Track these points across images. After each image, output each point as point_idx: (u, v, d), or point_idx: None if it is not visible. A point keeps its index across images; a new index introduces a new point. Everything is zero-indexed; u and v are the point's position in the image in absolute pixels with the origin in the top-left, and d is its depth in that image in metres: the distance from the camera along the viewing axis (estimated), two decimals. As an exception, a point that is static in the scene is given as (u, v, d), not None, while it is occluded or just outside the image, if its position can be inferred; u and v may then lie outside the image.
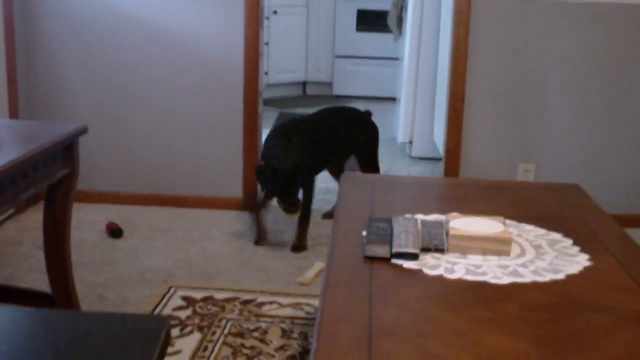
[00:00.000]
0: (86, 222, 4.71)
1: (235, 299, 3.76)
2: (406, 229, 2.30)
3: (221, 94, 5.00)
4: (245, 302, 3.72)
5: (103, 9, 4.92)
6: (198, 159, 5.08)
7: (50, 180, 3.02)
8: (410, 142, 6.55)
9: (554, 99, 4.81)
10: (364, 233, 2.38)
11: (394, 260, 2.20)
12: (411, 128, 6.50)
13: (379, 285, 2.05)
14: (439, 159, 6.18)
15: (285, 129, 4.52)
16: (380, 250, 2.21)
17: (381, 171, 5.78)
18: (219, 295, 3.79)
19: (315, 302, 3.71)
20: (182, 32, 4.93)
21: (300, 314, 3.63)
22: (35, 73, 4.99)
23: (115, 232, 4.54)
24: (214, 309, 3.65)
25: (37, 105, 5.02)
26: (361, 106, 5.53)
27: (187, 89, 5.01)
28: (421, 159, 6.48)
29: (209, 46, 4.93)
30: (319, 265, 4.14)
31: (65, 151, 3.09)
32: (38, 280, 3.84)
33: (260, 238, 4.52)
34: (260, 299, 3.77)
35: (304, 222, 4.51)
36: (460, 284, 2.08)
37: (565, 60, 4.78)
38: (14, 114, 4.78)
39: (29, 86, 4.98)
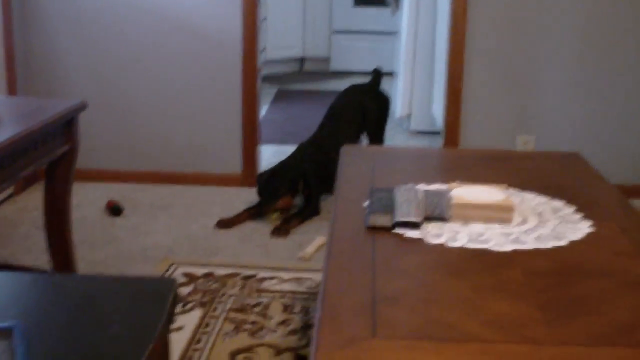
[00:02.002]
0: (86, 200, 4.71)
1: (236, 274, 3.76)
2: (408, 199, 2.29)
3: (219, 70, 4.98)
4: (246, 278, 3.72)
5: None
6: (197, 136, 5.07)
7: (50, 157, 3.01)
8: (409, 116, 6.53)
9: (552, 72, 4.80)
10: (366, 203, 2.37)
11: (397, 230, 2.19)
12: (409, 102, 6.48)
13: (381, 254, 2.05)
14: (437, 133, 6.17)
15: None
16: (383, 220, 2.21)
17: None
18: (220, 272, 3.79)
19: (316, 276, 3.71)
20: (180, 8, 4.90)
21: (301, 288, 3.63)
22: (33, 49, 4.97)
23: (115, 210, 4.54)
24: (215, 285, 3.65)
25: (36, 81, 5.00)
26: (359, 81, 5.53)
27: (185, 66, 4.99)
28: (420, 132, 6.46)
29: (206, 22, 4.91)
30: (319, 240, 4.13)
31: (65, 127, 3.09)
32: (38, 260, 3.83)
33: (229, 223, 4.47)
34: (261, 274, 3.77)
35: (299, 213, 4.49)
36: (463, 251, 2.07)
37: (562, 32, 4.76)
38: (12, 90, 4.76)
39: (28, 62, 4.96)
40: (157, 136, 5.08)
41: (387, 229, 2.19)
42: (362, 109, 4.93)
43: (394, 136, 6.44)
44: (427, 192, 2.38)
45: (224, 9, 4.89)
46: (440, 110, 5.89)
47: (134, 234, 4.29)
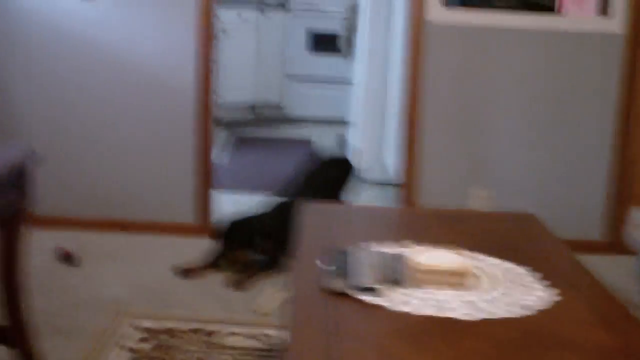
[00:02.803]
0: (38, 247, 4.64)
1: (192, 328, 3.73)
2: (364, 261, 2.33)
3: (172, 115, 4.97)
4: (207, 334, 3.69)
5: (53, 29, 4.88)
6: (149, 183, 5.05)
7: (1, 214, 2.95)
8: (361, 166, 6.57)
9: (506, 124, 4.91)
10: (321, 265, 2.39)
11: (353, 294, 2.21)
12: (361, 152, 6.52)
13: (339, 321, 2.07)
14: (389, 184, 6.21)
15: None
16: (337, 284, 2.23)
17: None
18: (177, 325, 3.76)
19: (272, 331, 3.71)
20: (133, 53, 4.90)
21: (259, 344, 3.62)
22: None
23: (66, 257, 4.49)
24: (172, 340, 3.62)
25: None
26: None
27: (138, 110, 4.98)
28: (372, 183, 6.50)
29: (160, 66, 4.91)
30: (270, 291, 4.14)
31: (15, 178, 2.98)
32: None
33: (190, 272, 4.47)
34: (218, 328, 3.75)
35: (262, 266, 4.50)
36: (423, 320, 2.09)
37: (518, 84, 4.87)
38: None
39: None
40: (109, 182, 5.05)
41: (342, 293, 2.21)
42: (333, 180, 5.06)
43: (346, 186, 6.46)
44: (381, 254, 2.41)
45: (177, 52, 4.88)
46: (392, 161, 5.93)
47: (86, 283, 4.25)
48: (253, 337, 3.69)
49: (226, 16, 7.86)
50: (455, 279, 2.29)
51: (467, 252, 2.57)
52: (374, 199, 6.11)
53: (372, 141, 6.46)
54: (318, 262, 2.38)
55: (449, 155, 4.96)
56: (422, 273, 2.29)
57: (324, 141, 8.14)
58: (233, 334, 3.71)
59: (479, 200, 4.93)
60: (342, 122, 8.47)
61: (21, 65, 4.94)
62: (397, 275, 2.29)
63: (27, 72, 4.95)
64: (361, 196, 6.17)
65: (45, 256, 4.57)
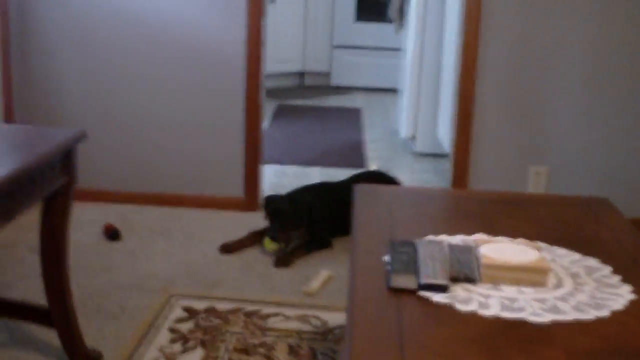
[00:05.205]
0: (82, 222, 4.54)
1: (238, 309, 3.60)
2: (432, 255, 2.14)
3: (221, 88, 4.83)
4: (249, 314, 3.56)
5: (98, 5, 4.74)
6: (197, 156, 4.91)
7: (47, 191, 2.84)
8: (413, 137, 6.38)
9: (567, 99, 4.64)
10: (386, 259, 2.22)
11: (421, 293, 2.03)
12: (414, 123, 6.33)
13: (408, 324, 1.89)
14: (443, 156, 6.03)
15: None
16: (407, 281, 2.05)
17: (386, 168, 5.66)
18: (222, 306, 3.63)
19: (322, 314, 3.57)
20: (181, 25, 4.75)
21: (307, 327, 3.47)
22: (30, 70, 4.81)
23: (112, 234, 4.38)
24: (217, 321, 3.49)
25: (33, 103, 4.84)
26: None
27: (185, 84, 4.83)
28: (425, 155, 6.31)
29: (209, 39, 4.75)
30: (324, 273, 3.98)
31: (64, 159, 2.92)
32: (33, 286, 3.66)
33: (233, 247, 4.34)
34: (265, 310, 3.61)
35: (306, 245, 4.35)
36: (497, 322, 1.91)
37: (579, 57, 4.60)
38: (9, 115, 4.61)
39: (25, 82, 4.80)
40: (157, 156, 4.92)
41: (412, 291, 2.04)
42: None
43: (398, 158, 6.29)
44: (451, 247, 2.23)
45: (226, 24, 4.73)
46: (446, 133, 5.75)
47: (131, 260, 4.13)
48: (299, 318, 3.54)
49: (274, -17, 7.75)
50: (532, 276, 2.10)
51: (541, 244, 2.38)
52: (427, 171, 5.93)
53: (424, 111, 6.26)
54: (385, 258, 2.20)
55: (505, 130, 4.72)
56: (496, 269, 2.10)
57: (372, 110, 7.98)
58: (278, 314, 3.57)
59: (536, 178, 4.70)
60: (390, 90, 8.31)
61: (68, 41, 4.81)
62: (469, 271, 2.11)
63: (74, 48, 4.82)
64: (414, 169, 5.99)
65: (88, 231, 4.46)
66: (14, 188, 2.55)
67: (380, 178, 4.82)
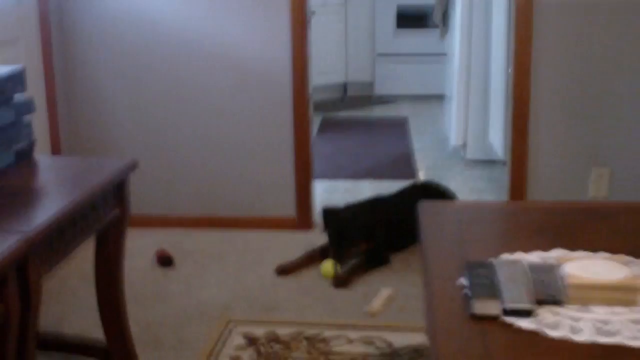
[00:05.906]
0: (134, 249, 4.43)
1: (299, 334, 3.48)
2: (513, 277, 2.00)
3: (269, 106, 4.75)
4: (311, 338, 3.44)
5: (142, 28, 4.69)
6: (247, 177, 4.82)
7: (100, 225, 2.75)
8: (464, 145, 6.23)
9: (628, 97, 4.46)
10: (463, 282, 2.08)
11: (506, 318, 1.89)
12: (465, 130, 6.18)
13: (496, 353, 1.75)
14: (494, 162, 5.89)
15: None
16: (490, 307, 1.91)
17: (437, 177, 5.51)
18: (282, 331, 3.52)
19: (386, 334, 3.44)
20: (226, 46, 4.67)
21: (373, 350, 3.34)
22: (75, 101, 4.77)
23: (166, 261, 4.29)
24: (278, 347, 3.38)
25: (80, 133, 4.79)
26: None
27: (233, 105, 4.75)
28: (476, 161, 6.16)
29: (254, 59, 4.67)
30: (385, 292, 3.85)
31: (116, 190, 2.82)
32: (88, 318, 3.57)
33: (290, 268, 4.23)
34: (327, 333, 3.49)
35: (365, 263, 4.21)
36: (592, 348, 1.77)
37: (634, 59, 4.43)
38: (56, 148, 4.53)
39: (70, 113, 4.75)
40: (207, 179, 4.83)
41: (494, 317, 1.90)
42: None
43: (449, 166, 6.15)
44: (532, 266, 2.08)
45: (271, 42, 4.65)
46: (498, 138, 5.60)
47: (186, 287, 4.04)
48: (363, 340, 3.41)
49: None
50: (623, 295, 1.94)
51: (626, 257, 2.22)
52: (479, 179, 5.78)
53: (474, 117, 6.11)
54: (462, 281, 2.05)
55: (563, 132, 4.55)
56: (583, 289, 1.95)
57: (418, 118, 7.85)
58: (340, 337, 3.45)
59: (600, 180, 4.52)
60: (435, 97, 8.17)
61: (113, 64, 4.77)
62: (554, 292, 1.96)
63: (119, 70, 4.78)
64: (466, 177, 5.85)
65: (141, 258, 4.38)
66: (65, 225, 2.45)
67: (432, 190, 4.67)
